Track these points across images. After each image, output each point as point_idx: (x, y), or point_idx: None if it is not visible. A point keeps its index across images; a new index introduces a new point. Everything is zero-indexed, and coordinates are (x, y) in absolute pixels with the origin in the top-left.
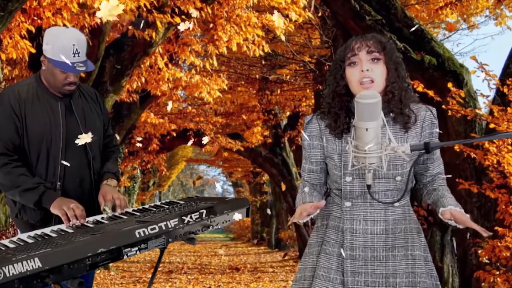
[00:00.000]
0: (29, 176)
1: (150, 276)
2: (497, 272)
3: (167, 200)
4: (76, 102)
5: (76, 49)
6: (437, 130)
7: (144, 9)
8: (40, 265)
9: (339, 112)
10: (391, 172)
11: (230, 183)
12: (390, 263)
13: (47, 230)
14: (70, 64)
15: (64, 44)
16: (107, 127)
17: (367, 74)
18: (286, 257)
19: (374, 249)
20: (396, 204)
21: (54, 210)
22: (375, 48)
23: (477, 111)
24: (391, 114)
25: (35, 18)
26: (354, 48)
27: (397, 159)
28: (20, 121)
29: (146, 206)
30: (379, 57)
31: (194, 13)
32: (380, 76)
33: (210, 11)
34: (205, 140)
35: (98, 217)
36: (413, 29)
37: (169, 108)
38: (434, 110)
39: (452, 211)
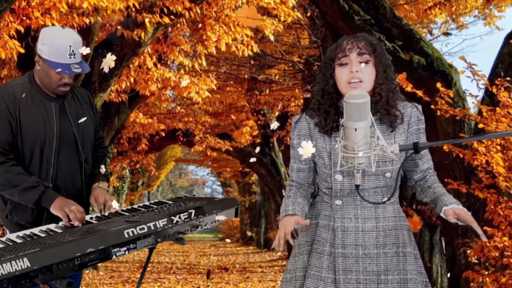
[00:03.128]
0: (27, 175)
1: (139, 276)
2: (486, 272)
3: (156, 200)
4: (69, 103)
5: (72, 50)
6: (424, 126)
7: (133, 9)
8: (29, 265)
9: (328, 109)
10: (380, 169)
11: (219, 183)
12: (381, 260)
13: (36, 230)
14: (66, 65)
15: (61, 45)
16: (98, 129)
17: (356, 75)
18: (275, 257)
19: (365, 246)
20: (385, 200)
21: (54, 210)
22: (366, 50)
23: (466, 111)
24: (377, 114)
25: (24, 18)
26: (345, 49)
27: (386, 155)
28: (15, 120)
29: (135, 206)
30: (369, 59)
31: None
32: (369, 77)
33: (199, 11)
34: None
35: (87, 217)
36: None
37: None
38: (419, 106)
39: (455, 210)
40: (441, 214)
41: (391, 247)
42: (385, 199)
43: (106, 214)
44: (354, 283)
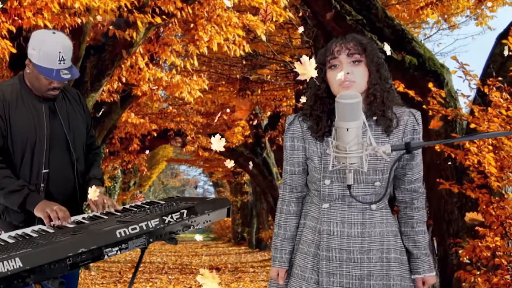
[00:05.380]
0: (14, 178)
1: (131, 276)
2: (478, 272)
3: (148, 200)
4: (60, 104)
5: (62, 56)
6: (419, 136)
7: (125, 9)
8: (21, 265)
9: (321, 115)
10: (370, 177)
11: (211, 183)
12: (365, 265)
13: (28, 230)
14: (56, 71)
15: (50, 50)
16: (89, 128)
17: (348, 77)
18: (267, 257)
19: (350, 251)
20: (374, 207)
21: (37, 212)
22: (355, 50)
23: (457, 111)
24: (373, 117)
25: (16, 18)
26: (334, 51)
27: (377, 164)
28: (5, 122)
29: (127, 206)
30: (360, 59)
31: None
32: (361, 78)
33: (190, 11)
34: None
35: (79, 217)
36: None
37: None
38: (418, 114)
39: (424, 278)
40: (412, 277)
41: (376, 252)
42: (374, 206)
43: (98, 213)
44: (337, 286)
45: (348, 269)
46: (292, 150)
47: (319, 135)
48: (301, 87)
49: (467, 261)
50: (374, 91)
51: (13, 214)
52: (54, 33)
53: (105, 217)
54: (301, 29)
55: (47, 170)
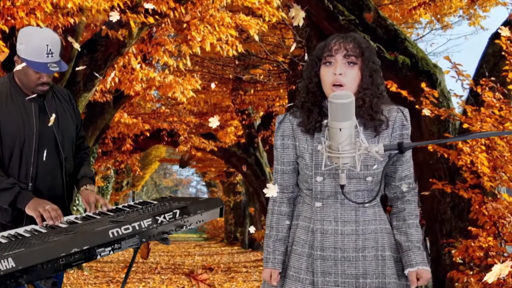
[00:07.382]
0: (4, 177)
1: (123, 276)
2: (471, 272)
3: (141, 200)
4: (50, 103)
5: (50, 50)
6: (408, 132)
7: (118, 9)
8: (14, 265)
9: (312, 108)
10: (362, 173)
11: (204, 183)
12: (360, 263)
13: (20, 230)
14: (44, 64)
15: (38, 44)
16: (79, 128)
17: (339, 78)
18: (260, 257)
19: (344, 249)
20: (367, 204)
21: (29, 211)
22: (353, 53)
23: (450, 111)
24: (361, 118)
25: (9, 18)
26: (332, 49)
27: (368, 159)
28: None
29: (120, 206)
30: (356, 61)
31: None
32: (352, 81)
33: (183, 11)
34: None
35: (71, 217)
36: None
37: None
38: (406, 111)
39: (418, 271)
40: (405, 272)
41: (370, 250)
42: (367, 203)
43: (91, 213)
44: (332, 286)
45: (343, 268)
46: (283, 149)
47: (310, 129)
48: (294, 87)
49: (460, 261)
50: (364, 95)
51: (0, 213)
52: (41, 28)
53: (97, 217)
54: (293, 48)
55: (35, 169)
